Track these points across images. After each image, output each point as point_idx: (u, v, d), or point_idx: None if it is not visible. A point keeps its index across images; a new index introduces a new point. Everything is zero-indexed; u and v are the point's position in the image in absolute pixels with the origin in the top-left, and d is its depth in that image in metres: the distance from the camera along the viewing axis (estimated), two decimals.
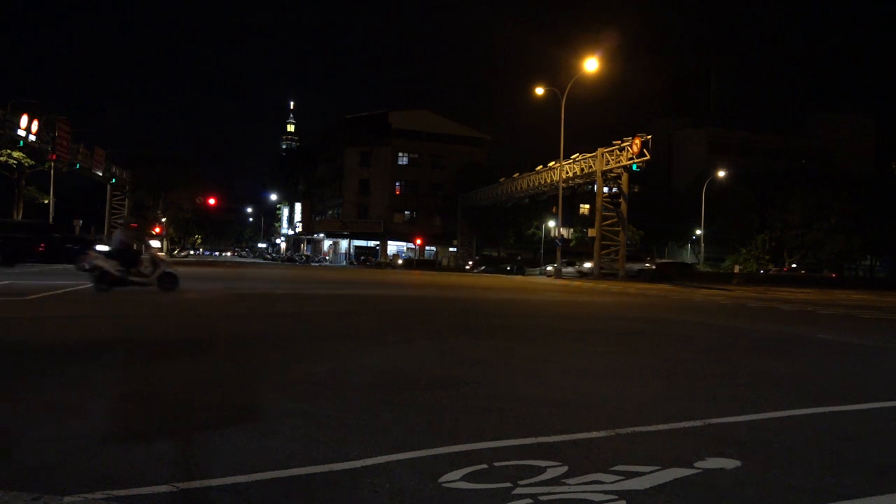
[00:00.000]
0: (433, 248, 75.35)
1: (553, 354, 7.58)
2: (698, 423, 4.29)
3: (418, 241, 71.71)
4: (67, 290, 14.43)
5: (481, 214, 64.36)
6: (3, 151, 39.26)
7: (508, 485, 2.98)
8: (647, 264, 40.67)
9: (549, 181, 46.52)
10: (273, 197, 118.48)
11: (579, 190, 47.29)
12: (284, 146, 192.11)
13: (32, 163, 42.74)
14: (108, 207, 60.52)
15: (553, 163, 45.23)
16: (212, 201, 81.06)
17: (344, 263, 74.52)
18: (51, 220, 42.60)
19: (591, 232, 41.78)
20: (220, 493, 2.81)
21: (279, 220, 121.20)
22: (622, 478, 3.13)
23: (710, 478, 3.21)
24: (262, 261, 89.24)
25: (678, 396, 5.24)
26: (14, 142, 36.33)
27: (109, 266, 14.07)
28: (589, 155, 41.12)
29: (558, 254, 42.32)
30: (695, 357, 7.75)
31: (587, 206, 65.01)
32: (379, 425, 3.97)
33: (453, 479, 3.04)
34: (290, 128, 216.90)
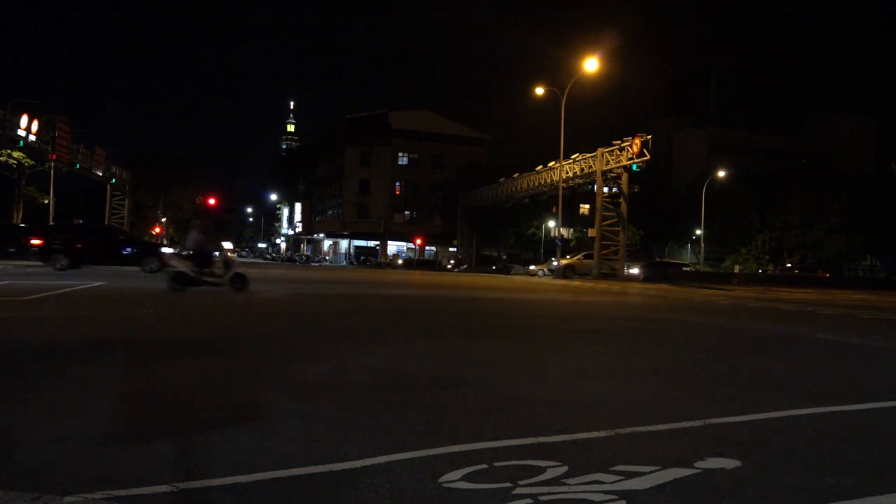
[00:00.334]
0: (433, 248, 75.33)
1: (553, 354, 7.58)
2: (698, 423, 4.29)
3: (418, 242, 71.71)
4: (67, 290, 14.43)
5: (481, 214, 64.34)
6: (3, 151, 39.26)
7: (508, 485, 2.99)
8: (610, 262, 40.25)
9: (549, 181, 46.51)
10: (273, 197, 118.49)
11: (579, 190, 47.23)
12: (284, 146, 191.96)
13: (32, 163, 42.75)
14: (108, 207, 60.54)
15: (553, 163, 45.22)
16: (212, 201, 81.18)
17: (344, 263, 74.50)
18: (51, 220, 42.61)
19: (591, 232, 41.74)
20: (220, 493, 2.81)
21: (279, 220, 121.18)
22: (622, 478, 3.13)
23: (710, 478, 3.21)
24: (262, 261, 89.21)
25: (678, 396, 5.24)
26: (14, 142, 36.33)
27: (185, 267, 14.58)
28: (589, 155, 41.10)
29: (558, 253, 42.32)
30: (695, 357, 7.75)
31: (587, 206, 64.96)
32: (379, 425, 3.97)
33: (453, 479, 3.04)
34: (290, 128, 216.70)
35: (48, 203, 45.28)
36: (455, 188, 68.87)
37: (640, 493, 2.96)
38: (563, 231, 53.50)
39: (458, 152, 74.68)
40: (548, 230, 63.05)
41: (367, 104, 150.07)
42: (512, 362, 6.74)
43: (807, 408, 4.93)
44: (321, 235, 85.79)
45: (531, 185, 49.81)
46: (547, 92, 40.92)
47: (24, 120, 35.65)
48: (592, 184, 42.38)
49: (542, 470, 3.20)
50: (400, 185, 76.93)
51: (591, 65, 36.47)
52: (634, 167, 36.22)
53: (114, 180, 57.20)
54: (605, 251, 39.94)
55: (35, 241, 23.41)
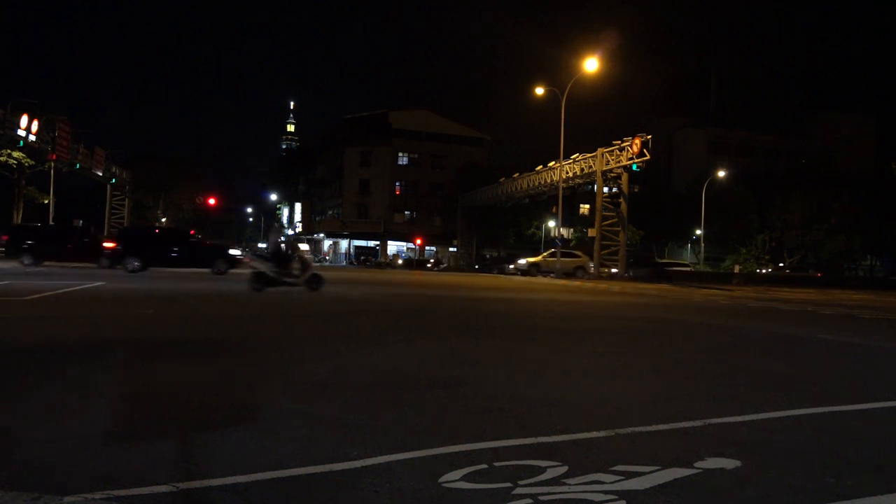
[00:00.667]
0: (433, 248, 75.28)
1: (553, 354, 7.58)
2: (698, 423, 4.29)
3: (418, 241, 71.66)
4: (67, 290, 14.43)
5: (481, 214, 64.32)
6: (3, 151, 39.28)
7: (508, 485, 2.98)
8: (582, 261, 40.14)
9: (549, 181, 46.50)
10: (273, 197, 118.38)
11: (579, 190, 47.21)
12: (284, 146, 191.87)
13: (32, 163, 42.76)
14: (108, 207, 60.50)
15: (553, 163, 45.22)
16: (212, 201, 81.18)
17: (344, 263, 74.45)
18: (51, 220, 42.63)
19: (591, 232, 41.74)
20: (220, 493, 2.81)
21: (279, 220, 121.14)
22: (622, 478, 3.13)
23: (710, 478, 3.21)
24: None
25: (678, 396, 5.24)
26: (14, 142, 36.34)
27: (265, 268, 15.07)
28: (589, 155, 41.09)
29: (558, 253, 42.34)
30: (695, 357, 7.75)
31: (587, 206, 64.92)
32: (379, 425, 3.97)
33: (453, 479, 3.04)
34: (290, 128, 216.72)
35: (48, 203, 45.29)
36: (455, 188, 68.84)
37: (640, 493, 2.96)
38: (564, 231, 53.51)
39: (458, 152, 74.64)
40: (548, 230, 63.02)
41: (367, 104, 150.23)
42: (512, 362, 6.74)
43: (807, 408, 4.93)
44: (321, 235, 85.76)
45: (531, 185, 49.79)
46: (547, 92, 40.91)
47: (24, 120, 35.65)
48: (592, 184, 42.38)
49: (542, 470, 3.20)
50: (400, 185, 76.88)
51: (590, 65, 36.46)
52: (634, 167, 36.23)
53: (114, 180, 57.18)
54: (605, 251, 39.96)
55: (108, 245, 25.75)
